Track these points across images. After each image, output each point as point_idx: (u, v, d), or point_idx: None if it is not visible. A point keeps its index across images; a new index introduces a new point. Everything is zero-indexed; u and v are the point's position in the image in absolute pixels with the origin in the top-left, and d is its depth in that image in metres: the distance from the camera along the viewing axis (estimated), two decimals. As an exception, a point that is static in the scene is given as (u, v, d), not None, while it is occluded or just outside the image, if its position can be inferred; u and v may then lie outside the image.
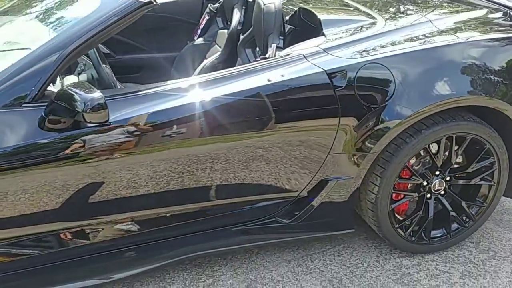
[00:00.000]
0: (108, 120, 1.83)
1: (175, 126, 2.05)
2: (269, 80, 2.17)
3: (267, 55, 2.49)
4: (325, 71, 2.24)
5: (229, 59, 3.26)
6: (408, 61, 2.31)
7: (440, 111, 2.34)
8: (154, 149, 2.06)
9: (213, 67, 3.21)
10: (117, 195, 2.10)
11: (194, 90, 2.15)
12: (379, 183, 2.41)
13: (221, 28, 3.55)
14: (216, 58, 3.25)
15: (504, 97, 2.40)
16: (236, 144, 2.17)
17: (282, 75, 2.21)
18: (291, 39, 2.64)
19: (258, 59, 2.46)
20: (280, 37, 2.58)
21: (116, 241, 2.25)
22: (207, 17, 3.61)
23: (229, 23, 3.46)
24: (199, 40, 3.63)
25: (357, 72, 2.25)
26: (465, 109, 2.43)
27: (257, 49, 2.85)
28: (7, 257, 2.08)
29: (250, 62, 2.84)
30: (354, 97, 2.25)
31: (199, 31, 3.65)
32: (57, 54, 2.00)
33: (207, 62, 3.25)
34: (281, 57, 2.32)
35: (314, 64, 2.26)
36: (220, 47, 3.42)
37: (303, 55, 2.30)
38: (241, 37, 2.98)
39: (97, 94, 1.80)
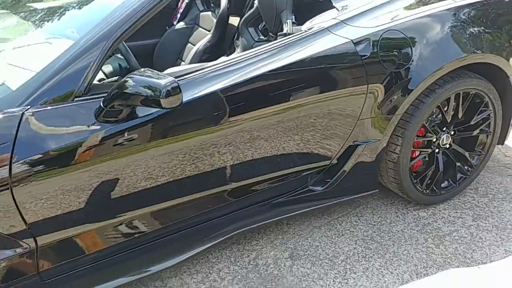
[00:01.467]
0: (181, 103, 1.82)
1: (234, 103, 2.09)
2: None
3: (285, 31, 2.55)
4: (352, 41, 2.35)
5: (221, 40, 3.30)
6: (419, 27, 2.48)
7: (449, 71, 2.53)
8: (213, 129, 2.08)
9: (206, 50, 3.23)
10: (174, 179, 2.11)
11: (242, 68, 2.18)
12: (400, 143, 2.58)
13: (202, 11, 3.55)
14: (208, 40, 3.27)
15: (493, 51, 2.63)
16: (276, 118, 2.23)
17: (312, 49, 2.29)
18: (300, 14, 2.72)
19: (282, 35, 2.51)
20: (292, 13, 2.65)
21: (168, 228, 2.25)
22: (186, 1, 3.59)
23: (212, 5, 3.47)
24: (180, 25, 3.61)
25: (379, 40, 2.38)
26: (466, 68, 2.65)
27: (260, 26, 2.91)
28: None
29: (254, 40, 2.90)
30: (379, 63, 2.39)
31: (178, 15, 3.63)
32: (102, 44, 1.96)
33: (199, 45, 3.25)
34: (305, 31, 2.40)
35: (339, 36, 2.36)
36: (205, 29, 3.43)
37: (327, 28, 2.39)
38: (245, 15, 3.01)
39: (170, 78, 1.79)
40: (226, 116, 2.12)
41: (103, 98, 1.91)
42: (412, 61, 2.44)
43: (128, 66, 2.38)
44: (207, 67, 2.17)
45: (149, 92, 1.76)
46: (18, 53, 2.27)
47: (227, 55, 3.21)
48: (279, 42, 2.33)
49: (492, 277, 2.39)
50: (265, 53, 2.27)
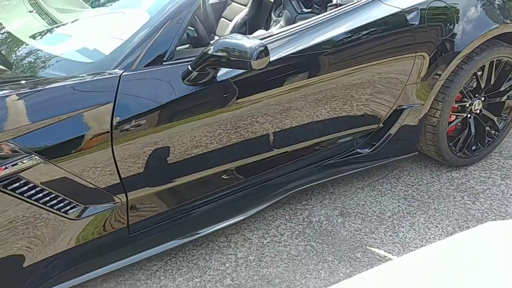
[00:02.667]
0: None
1: (297, 69, 2.25)
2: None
3: (335, 2, 2.70)
4: (403, 10, 2.52)
5: (257, 14, 3.43)
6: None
7: (485, 40, 2.73)
8: (283, 90, 2.24)
9: (244, 24, 3.36)
10: (251, 138, 2.27)
11: (300, 37, 2.33)
12: (440, 108, 2.78)
13: (235, -14, 3.66)
14: (246, 14, 3.40)
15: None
16: (333, 84, 2.40)
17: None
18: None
19: (333, 5, 2.66)
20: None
21: (235, 186, 2.42)
22: (218, -24, 3.69)
23: (245, -20, 3.58)
24: (213, 0, 3.72)
25: (426, 9, 2.56)
26: (498, 38, 2.84)
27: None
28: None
29: (297, 12, 3.05)
30: (426, 32, 2.57)
31: (210, -10, 3.72)
32: (186, 11, 2.09)
33: (237, 19, 3.38)
34: (357, 1, 2.56)
35: (390, 5, 2.53)
36: (240, 4, 3.55)
37: (377, -2, 2.55)
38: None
39: (259, 41, 1.94)
40: (291, 80, 2.27)
41: (190, 62, 2.04)
42: (455, 30, 2.62)
43: (196, 35, 2.50)
44: (272, 35, 2.30)
45: (241, 54, 1.90)
46: (93, 21, 2.38)
47: (265, 29, 3.35)
48: (333, 12, 2.49)
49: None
50: (321, 23, 2.42)
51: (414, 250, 2.51)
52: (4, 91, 1.83)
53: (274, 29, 3.11)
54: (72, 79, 1.91)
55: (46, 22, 2.37)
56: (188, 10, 2.10)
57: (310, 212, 2.75)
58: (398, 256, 2.46)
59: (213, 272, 2.38)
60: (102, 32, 2.24)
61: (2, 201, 1.78)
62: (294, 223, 2.67)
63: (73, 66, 2.04)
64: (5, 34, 2.30)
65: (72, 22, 2.36)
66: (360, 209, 2.77)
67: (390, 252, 2.49)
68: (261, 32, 3.15)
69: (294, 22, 3.03)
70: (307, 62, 2.34)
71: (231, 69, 2.12)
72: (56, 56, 2.12)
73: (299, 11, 3.05)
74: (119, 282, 2.32)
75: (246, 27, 3.42)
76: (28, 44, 2.22)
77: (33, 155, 1.80)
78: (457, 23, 2.64)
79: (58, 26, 2.34)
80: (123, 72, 1.96)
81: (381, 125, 2.75)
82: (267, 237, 2.58)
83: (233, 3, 3.62)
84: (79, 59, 2.07)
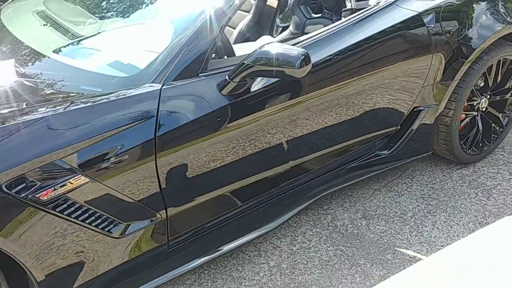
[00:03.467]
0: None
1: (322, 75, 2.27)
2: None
3: (349, 7, 2.73)
4: (420, 13, 2.57)
5: (259, 21, 3.44)
6: (471, 1, 2.73)
7: (494, 41, 2.81)
8: (309, 97, 2.25)
9: (247, 31, 3.36)
10: (282, 146, 2.27)
11: (322, 44, 2.34)
12: (453, 107, 2.84)
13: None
14: (249, 20, 3.40)
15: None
16: (354, 88, 2.42)
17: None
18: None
19: (348, 10, 2.69)
20: (351, -9, 2.83)
21: (268, 194, 2.41)
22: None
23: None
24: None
25: (441, 12, 2.61)
26: (504, 38, 2.93)
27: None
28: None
29: (306, 17, 3.06)
30: (442, 34, 2.63)
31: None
32: (217, 21, 2.07)
33: (241, 26, 3.37)
34: (374, 6, 2.59)
35: (407, 9, 2.57)
36: (243, 10, 3.55)
37: (394, 2, 2.59)
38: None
39: (301, 50, 1.94)
40: (317, 87, 2.28)
41: (224, 72, 2.03)
42: (467, 31, 2.69)
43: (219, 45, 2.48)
44: (299, 42, 2.31)
45: (284, 63, 1.89)
46: (118, 34, 2.32)
47: (269, 35, 3.35)
48: (353, 17, 2.51)
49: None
50: (343, 29, 2.43)
51: (441, 248, 2.55)
52: (46, 111, 1.76)
53: (283, 35, 3.12)
54: (112, 95, 1.86)
55: (66, 36, 2.30)
56: (220, 20, 2.07)
57: (334, 217, 2.76)
58: (427, 256, 2.50)
59: (249, 282, 2.36)
60: (131, 45, 2.19)
61: (50, 223, 1.72)
62: (320, 228, 2.68)
63: (108, 80, 1.99)
64: (26, 49, 2.22)
65: (95, 35, 2.30)
66: (381, 211, 2.80)
67: (418, 252, 2.52)
68: (266, 39, 3.15)
69: (304, 27, 3.05)
70: (333, 68, 2.35)
71: (262, 78, 2.11)
72: (88, 71, 2.06)
73: (308, 16, 3.06)
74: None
75: (250, 34, 3.42)
76: (54, 59, 2.15)
77: (80, 175, 1.75)
78: (468, 25, 2.70)
79: (81, 40, 2.28)
80: (163, 86, 1.92)
81: (399, 127, 2.78)
82: (296, 244, 2.58)
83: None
84: (113, 74, 2.02)
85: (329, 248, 2.55)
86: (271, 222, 2.42)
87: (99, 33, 2.31)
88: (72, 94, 1.91)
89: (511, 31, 2.91)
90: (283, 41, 2.99)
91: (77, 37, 2.31)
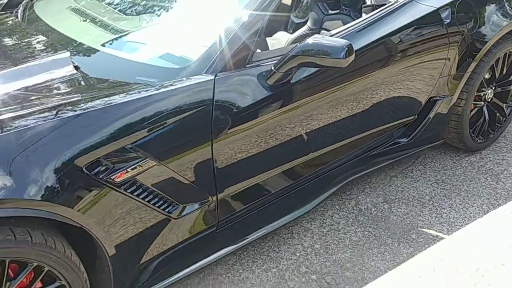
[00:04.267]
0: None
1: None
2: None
3: (368, 3, 2.90)
4: (437, 9, 2.75)
5: (275, 17, 3.57)
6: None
7: (502, 35, 3.02)
8: (341, 87, 2.41)
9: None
10: (318, 132, 2.43)
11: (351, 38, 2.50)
12: (465, 98, 3.04)
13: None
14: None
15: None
16: (379, 80, 2.58)
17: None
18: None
19: (368, 6, 2.86)
20: (368, -12, 3.00)
21: (306, 178, 2.57)
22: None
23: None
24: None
25: (456, 7, 2.80)
26: (509, 33, 3.14)
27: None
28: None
29: (324, 14, 3.23)
30: (457, 28, 2.82)
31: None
32: (262, 16, 2.21)
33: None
34: (394, 2, 2.76)
35: (426, 5, 2.75)
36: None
37: (412, -1, 2.77)
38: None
39: (345, 41, 2.09)
40: (347, 78, 2.44)
41: (270, 63, 2.17)
42: (479, 26, 2.88)
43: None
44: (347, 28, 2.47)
45: (330, 53, 2.05)
46: (163, 27, 2.44)
47: (285, 30, 3.50)
48: (376, 14, 2.67)
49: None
50: (368, 25, 2.59)
51: (460, 228, 2.74)
52: (114, 100, 1.88)
53: (301, 31, 3.27)
54: (170, 85, 1.98)
55: (109, 31, 2.41)
56: (265, 13, 2.21)
57: (357, 201, 2.93)
58: (448, 235, 2.69)
59: (287, 262, 2.51)
60: (179, 38, 2.31)
61: (121, 202, 1.84)
62: (346, 212, 2.84)
63: (162, 72, 2.11)
64: (76, 44, 2.33)
65: (140, 29, 2.41)
66: (400, 195, 2.98)
67: (440, 232, 2.71)
68: (281, 34, 3.31)
69: (322, 23, 3.21)
70: (363, 59, 2.51)
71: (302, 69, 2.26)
72: (141, 63, 2.17)
73: (325, 13, 3.22)
74: (202, 278, 2.41)
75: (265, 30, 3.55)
76: (105, 53, 2.26)
77: (148, 159, 1.87)
78: (480, 20, 2.90)
79: (128, 34, 2.39)
80: (216, 76, 2.06)
81: (416, 116, 2.96)
82: (325, 226, 2.74)
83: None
84: (166, 65, 2.14)
85: (357, 230, 2.71)
86: (306, 205, 2.56)
87: (143, 27, 2.42)
88: (132, 85, 2.02)
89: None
90: (302, 36, 3.15)
91: (121, 32, 2.42)
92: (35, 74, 2.03)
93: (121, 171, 1.82)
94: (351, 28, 2.54)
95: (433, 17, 2.74)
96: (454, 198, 2.96)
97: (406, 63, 2.70)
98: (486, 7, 2.96)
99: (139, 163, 1.85)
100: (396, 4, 2.74)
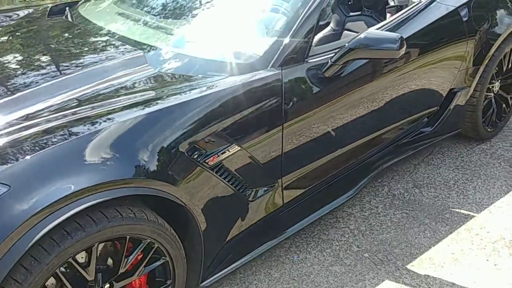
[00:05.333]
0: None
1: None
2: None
3: (392, 4, 3.16)
4: (456, 7, 3.03)
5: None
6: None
7: (510, 31, 3.32)
8: (380, 80, 2.64)
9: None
10: (364, 119, 2.65)
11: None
12: (479, 89, 3.32)
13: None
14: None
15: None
16: (408, 75, 2.82)
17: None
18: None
19: (393, 7, 3.11)
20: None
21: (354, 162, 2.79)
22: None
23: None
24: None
25: (471, 5, 3.09)
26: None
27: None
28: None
29: (345, 15, 3.47)
30: (473, 24, 3.10)
31: None
32: (317, 11, 2.42)
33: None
34: (418, 2, 3.02)
35: (447, 4, 3.03)
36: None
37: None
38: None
39: (397, 34, 2.32)
40: (382, 73, 2.68)
41: (327, 57, 2.39)
42: (491, 23, 3.17)
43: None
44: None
45: (387, 45, 2.27)
46: (219, 24, 2.59)
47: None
48: (403, 14, 2.91)
49: None
50: (398, 23, 2.83)
51: (487, 206, 2.99)
52: (199, 92, 2.04)
53: (325, 31, 3.50)
54: (242, 78, 2.16)
55: (166, 32, 2.58)
56: (317, 10, 2.42)
57: (389, 188, 3.15)
58: (478, 213, 2.93)
59: (338, 242, 2.70)
60: (240, 34, 2.47)
61: (214, 183, 2.01)
62: (381, 197, 3.06)
63: (231, 67, 2.28)
64: (142, 45, 2.47)
65: (200, 27, 2.58)
66: (427, 181, 3.22)
67: (470, 211, 2.95)
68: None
69: (344, 24, 3.45)
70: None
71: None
72: (210, 59, 2.34)
73: (347, 14, 3.46)
74: (264, 260, 2.57)
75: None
76: (173, 52, 2.41)
77: (234, 144, 2.05)
78: (492, 17, 3.19)
79: (188, 33, 2.56)
80: (282, 70, 2.25)
81: (438, 107, 3.22)
82: (366, 210, 2.95)
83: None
84: (235, 61, 2.32)
85: (395, 212, 2.93)
86: (351, 189, 2.76)
87: (202, 25, 2.58)
88: (206, 79, 2.19)
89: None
90: (325, 37, 3.37)
91: (176, 32, 2.58)
92: (118, 72, 2.18)
93: (213, 155, 1.98)
94: (382, 28, 2.77)
95: (453, 15, 3.01)
96: (476, 181, 3.22)
97: (431, 58, 2.94)
98: (496, 6, 3.25)
99: (227, 148, 2.02)
100: (420, 4, 2.99)
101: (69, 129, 1.76)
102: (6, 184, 1.55)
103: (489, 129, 3.61)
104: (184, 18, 2.69)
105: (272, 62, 2.29)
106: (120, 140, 1.78)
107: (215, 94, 2.04)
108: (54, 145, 1.68)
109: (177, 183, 1.87)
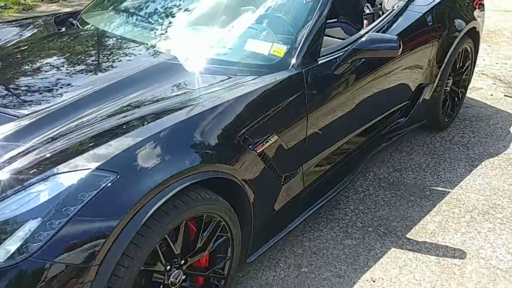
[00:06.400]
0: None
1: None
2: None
3: (367, 12, 3.61)
4: (424, 14, 3.53)
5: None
6: (448, 2, 3.77)
7: (463, 34, 3.88)
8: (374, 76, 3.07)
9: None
10: (360, 112, 3.06)
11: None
12: (440, 85, 3.85)
13: None
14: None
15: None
16: (392, 73, 3.28)
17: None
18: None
19: (368, 15, 3.56)
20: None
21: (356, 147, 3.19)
22: None
23: None
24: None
25: (433, 12, 3.60)
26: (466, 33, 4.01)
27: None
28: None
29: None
30: (435, 27, 3.61)
31: None
32: (326, 11, 2.80)
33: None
34: (392, 10, 3.49)
35: (416, 12, 3.52)
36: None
37: (405, 6, 3.51)
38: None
39: (392, 35, 2.74)
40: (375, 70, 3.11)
41: (334, 57, 2.77)
42: (450, 27, 3.71)
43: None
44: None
45: (389, 45, 2.69)
46: (239, 29, 2.88)
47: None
48: (383, 20, 3.36)
49: None
50: (380, 28, 3.29)
51: (459, 183, 3.50)
52: (244, 90, 2.34)
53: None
54: (276, 78, 2.49)
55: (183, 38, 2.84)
56: (327, 10, 2.79)
57: (374, 173, 3.59)
58: (452, 189, 3.43)
59: (344, 221, 3.08)
60: (260, 38, 2.77)
61: (262, 168, 2.31)
62: (370, 181, 3.48)
63: (257, 68, 2.59)
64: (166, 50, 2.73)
65: (216, 31, 2.86)
66: (404, 165, 3.69)
67: (445, 188, 3.44)
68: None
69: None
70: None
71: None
72: (235, 61, 2.64)
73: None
74: (284, 239, 2.89)
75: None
76: (203, 56, 2.68)
77: (274, 134, 2.37)
78: (449, 22, 3.72)
79: (209, 37, 2.83)
80: (303, 69, 2.60)
81: (409, 101, 3.70)
82: (360, 193, 3.35)
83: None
84: (260, 63, 2.63)
85: (385, 193, 3.36)
86: (352, 173, 3.16)
87: (219, 30, 2.86)
88: (242, 79, 2.49)
89: (469, 27, 4.00)
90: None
91: (207, 38, 2.85)
92: (166, 73, 2.43)
93: (259, 144, 2.29)
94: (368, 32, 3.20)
95: (422, 20, 3.50)
96: (443, 163, 3.73)
97: (408, 58, 3.40)
98: (452, 12, 3.79)
99: (269, 138, 2.34)
100: (393, 12, 3.45)
101: (159, 118, 2.00)
102: (114, 172, 1.77)
103: (446, 119, 4.15)
104: (210, 25, 2.94)
105: (291, 63, 2.62)
106: (203, 130, 2.04)
107: (253, 92, 2.34)
108: (150, 133, 1.91)
109: (239, 167, 2.16)
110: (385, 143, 3.54)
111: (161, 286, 1.99)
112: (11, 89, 2.39)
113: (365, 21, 3.59)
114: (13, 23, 3.36)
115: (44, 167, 1.79)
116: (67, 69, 2.60)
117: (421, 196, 3.33)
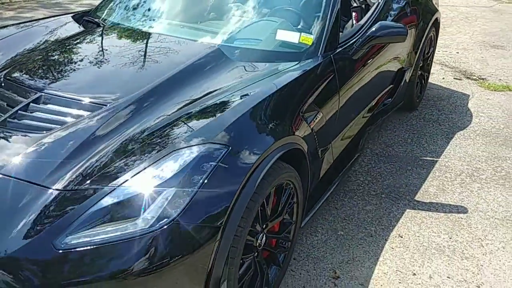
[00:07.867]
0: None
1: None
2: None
3: (355, 5, 4.03)
4: (403, 5, 4.00)
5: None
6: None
7: (431, 23, 4.41)
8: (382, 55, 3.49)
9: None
10: (367, 92, 3.46)
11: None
12: (415, 68, 4.36)
13: None
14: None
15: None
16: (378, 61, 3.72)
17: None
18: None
19: (356, 7, 3.98)
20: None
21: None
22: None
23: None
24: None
25: (410, 4, 4.09)
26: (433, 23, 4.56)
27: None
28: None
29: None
30: (412, 16, 4.10)
31: None
32: (336, 10, 3.17)
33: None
34: (376, 3, 3.93)
35: (397, 4, 3.98)
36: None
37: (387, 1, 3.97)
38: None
39: (400, 24, 3.16)
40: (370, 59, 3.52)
41: (353, 42, 3.14)
42: (423, 16, 4.22)
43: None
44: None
45: (399, 31, 3.10)
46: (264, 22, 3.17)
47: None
48: (373, 13, 3.78)
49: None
50: (371, 21, 3.71)
51: (442, 152, 4.00)
52: (291, 76, 2.64)
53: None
54: (312, 63, 2.81)
55: (215, 29, 3.10)
56: (338, 7, 3.15)
57: (371, 149, 4.01)
58: (439, 158, 3.92)
59: (359, 191, 3.46)
60: (288, 28, 3.06)
61: (313, 145, 2.63)
62: (370, 156, 3.90)
63: (290, 56, 2.91)
64: (202, 44, 2.96)
65: (244, 27, 3.13)
66: (393, 141, 4.15)
67: (433, 157, 3.93)
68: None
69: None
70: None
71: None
72: (269, 50, 2.93)
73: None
74: (315, 210, 3.23)
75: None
76: (236, 48, 2.94)
77: (320, 111, 2.70)
78: (422, 12, 4.23)
79: (240, 30, 3.09)
80: (332, 55, 2.94)
81: (392, 84, 4.17)
82: (364, 166, 3.76)
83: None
84: (292, 51, 2.94)
85: (385, 165, 3.79)
86: (360, 148, 3.54)
87: (248, 24, 3.14)
88: (279, 67, 2.79)
89: (435, 18, 4.54)
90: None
91: (226, 29, 3.11)
92: (211, 66, 2.68)
93: (312, 120, 2.61)
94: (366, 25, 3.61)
95: (403, 12, 3.96)
96: (424, 137, 4.23)
97: (395, 46, 3.84)
98: (422, 5, 4.30)
99: (317, 115, 2.66)
100: (379, 5, 3.88)
101: (242, 100, 2.27)
102: (226, 145, 2.02)
103: (417, 100, 4.67)
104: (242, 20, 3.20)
105: (320, 50, 2.95)
106: (279, 107, 2.34)
107: (299, 78, 2.64)
108: (245, 111, 2.18)
109: (304, 141, 2.47)
110: (379, 121, 3.96)
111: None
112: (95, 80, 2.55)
113: (353, 14, 3.98)
114: (21, 25, 3.38)
115: (165, 144, 2.00)
116: (136, 62, 2.77)
117: (416, 166, 3.79)
